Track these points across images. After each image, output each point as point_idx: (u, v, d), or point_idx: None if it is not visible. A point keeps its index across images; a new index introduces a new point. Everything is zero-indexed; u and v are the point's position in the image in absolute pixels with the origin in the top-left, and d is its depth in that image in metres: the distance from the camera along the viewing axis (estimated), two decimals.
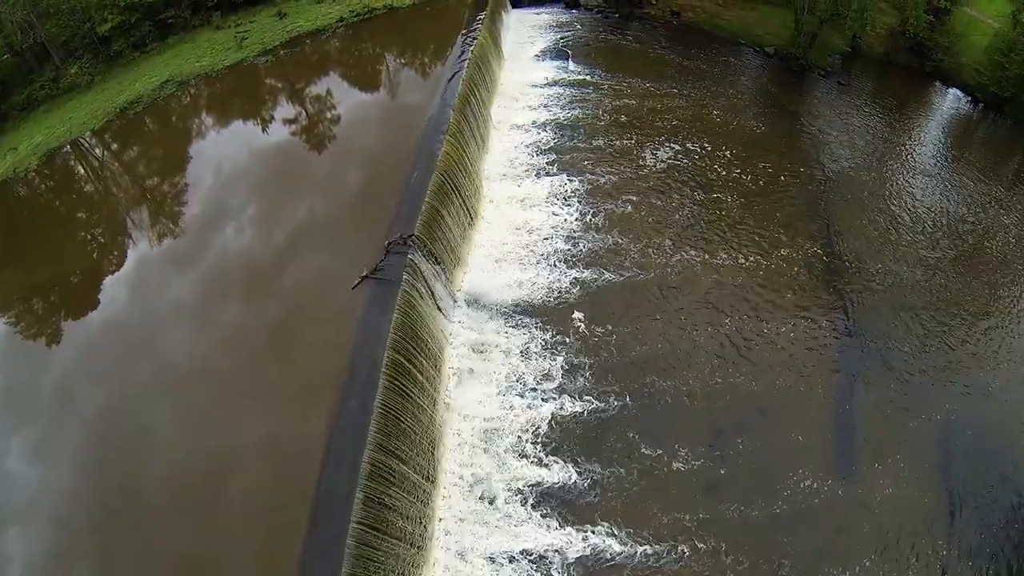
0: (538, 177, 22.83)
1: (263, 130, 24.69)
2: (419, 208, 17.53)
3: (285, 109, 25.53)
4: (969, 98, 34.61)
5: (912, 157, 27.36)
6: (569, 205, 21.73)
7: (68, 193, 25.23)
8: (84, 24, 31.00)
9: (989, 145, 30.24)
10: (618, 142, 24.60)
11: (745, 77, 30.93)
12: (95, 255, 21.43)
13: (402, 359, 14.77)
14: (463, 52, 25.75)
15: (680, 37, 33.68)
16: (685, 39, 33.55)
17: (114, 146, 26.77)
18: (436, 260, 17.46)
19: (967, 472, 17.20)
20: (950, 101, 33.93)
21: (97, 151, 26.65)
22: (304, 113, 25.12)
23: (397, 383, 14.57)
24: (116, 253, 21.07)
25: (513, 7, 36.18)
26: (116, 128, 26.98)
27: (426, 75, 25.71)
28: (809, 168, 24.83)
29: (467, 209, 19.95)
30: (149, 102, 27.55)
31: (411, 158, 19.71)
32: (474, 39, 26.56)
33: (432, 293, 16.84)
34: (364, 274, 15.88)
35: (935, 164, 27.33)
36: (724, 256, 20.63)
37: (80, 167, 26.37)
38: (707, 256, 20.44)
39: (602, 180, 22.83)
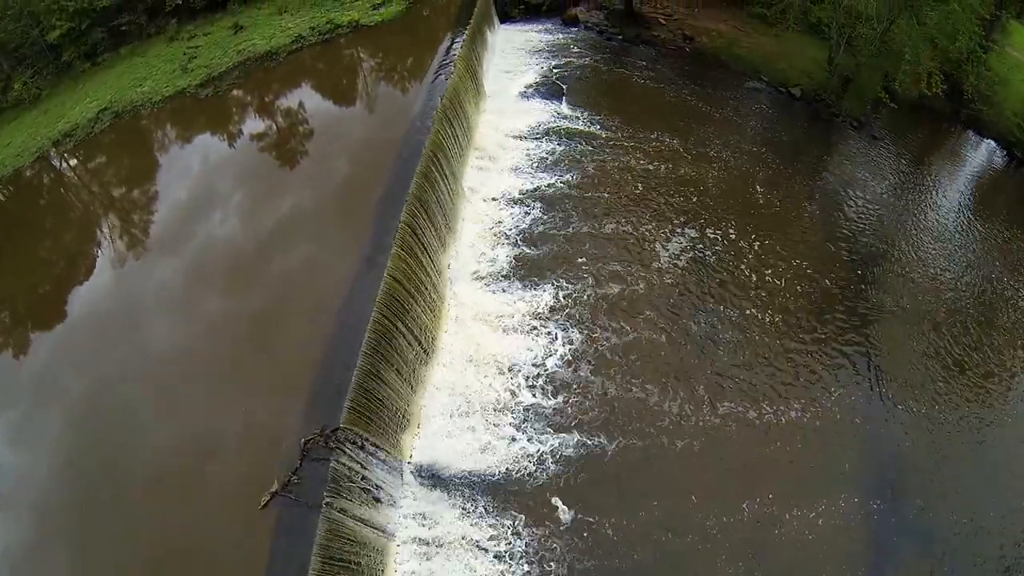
0: (518, 281, 17.39)
1: (178, 189, 19.40)
2: (351, 369, 12.65)
3: (204, 169, 20.01)
4: (1005, 152, 30.42)
5: (967, 249, 22.38)
6: (558, 328, 16.46)
7: None
8: (33, 30, 26.52)
9: None
10: (621, 227, 19.26)
11: (769, 128, 25.45)
12: None
13: None
14: (432, 96, 20.18)
15: (694, 70, 27.98)
16: (699, 73, 27.89)
17: (37, 191, 22.61)
18: (374, 444, 12.88)
19: None
20: (987, 156, 29.47)
21: (24, 192, 22.56)
22: (226, 179, 19.56)
23: None
24: None
25: (502, 22, 30.11)
26: (44, 166, 22.99)
27: (384, 129, 19.73)
28: (852, 268, 19.79)
29: (421, 341, 15.18)
30: (82, 136, 23.27)
31: (347, 280, 14.52)
32: (449, 74, 21.06)
33: (368, 489, 12.32)
34: (274, 490, 11.01)
35: (991, 258, 22.35)
36: (766, 411, 15.72)
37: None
38: (738, 411, 15.51)
39: (601, 289, 17.50)
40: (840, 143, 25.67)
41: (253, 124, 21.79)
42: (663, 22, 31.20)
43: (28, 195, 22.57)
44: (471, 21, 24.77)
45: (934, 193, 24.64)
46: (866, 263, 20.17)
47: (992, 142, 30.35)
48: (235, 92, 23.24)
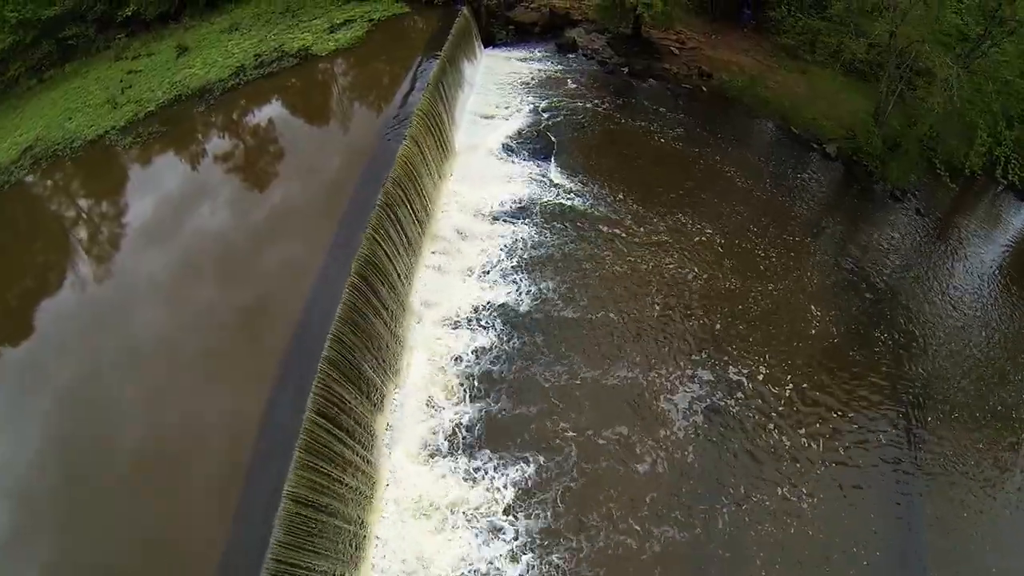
0: (480, 455, 12.09)
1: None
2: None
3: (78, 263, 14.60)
4: None
5: None
6: (534, 529, 11.31)
7: None
8: None
9: None
10: (630, 372, 13.80)
11: (816, 209, 19.82)
12: None
13: None
14: (379, 167, 14.65)
15: (716, 117, 22.45)
16: (722, 121, 22.36)
17: None
18: None
19: None
20: None
21: None
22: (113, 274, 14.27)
23: None
24: None
25: (486, 46, 24.26)
26: None
27: (312, 215, 13.91)
28: (913, 422, 14.69)
29: (344, 555, 10.22)
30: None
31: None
32: (402, 139, 15.49)
33: None
34: None
35: None
36: None
37: None
38: None
39: (598, 472, 12.22)
40: (883, 223, 20.23)
41: (156, 194, 15.98)
42: (675, 52, 25.51)
43: None
44: (441, 54, 19.09)
45: (1009, 304, 19.45)
46: (930, 415, 15.24)
47: None
48: (152, 144, 17.62)
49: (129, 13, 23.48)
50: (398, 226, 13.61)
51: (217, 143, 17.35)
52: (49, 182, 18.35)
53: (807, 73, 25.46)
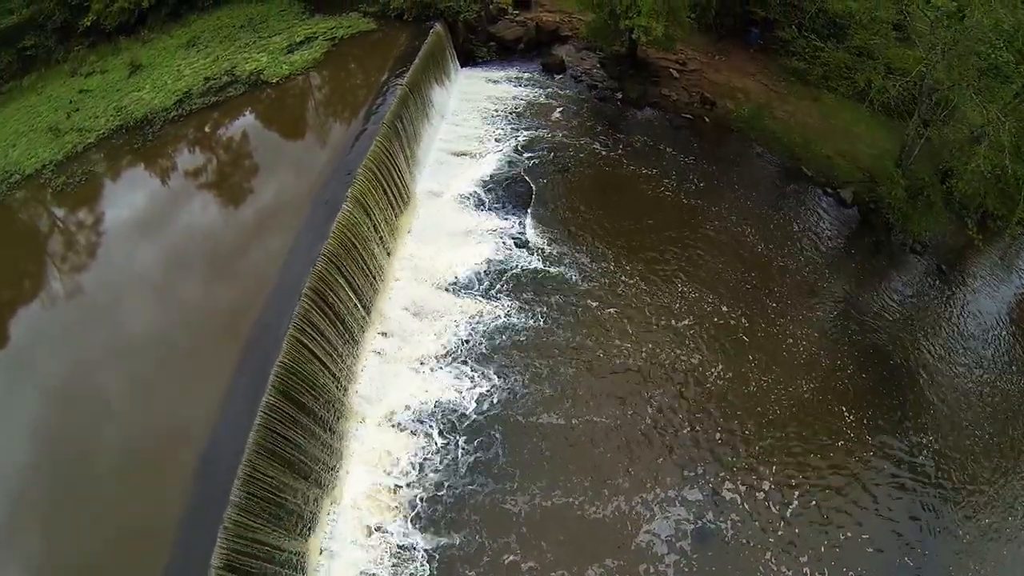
0: None
1: None
2: None
3: None
4: None
5: None
6: None
7: None
8: None
9: None
10: (603, 492, 11.52)
11: (819, 262, 17.42)
12: None
13: None
14: (310, 230, 12.40)
15: (717, 154, 20.03)
16: (724, 159, 19.99)
17: None
18: None
19: None
20: None
21: None
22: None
23: None
24: None
25: (464, 65, 21.69)
26: None
27: (227, 298, 11.75)
28: (920, 539, 12.53)
29: None
30: None
31: None
32: (343, 201, 12.86)
33: None
34: None
35: None
36: None
37: None
38: None
39: None
40: (912, 287, 18.02)
41: (73, 252, 13.92)
42: (675, 74, 22.99)
43: None
44: (404, 83, 16.65)
45: None
46: (957, 526, 13.10)
47: None
48: (82, 189, 15.58)
49: (89, 23, 21.97)
50: (332, 315, 11.41)
51: (143, 193, 14.93)
52: None
53: (819, 101, 22.99)
